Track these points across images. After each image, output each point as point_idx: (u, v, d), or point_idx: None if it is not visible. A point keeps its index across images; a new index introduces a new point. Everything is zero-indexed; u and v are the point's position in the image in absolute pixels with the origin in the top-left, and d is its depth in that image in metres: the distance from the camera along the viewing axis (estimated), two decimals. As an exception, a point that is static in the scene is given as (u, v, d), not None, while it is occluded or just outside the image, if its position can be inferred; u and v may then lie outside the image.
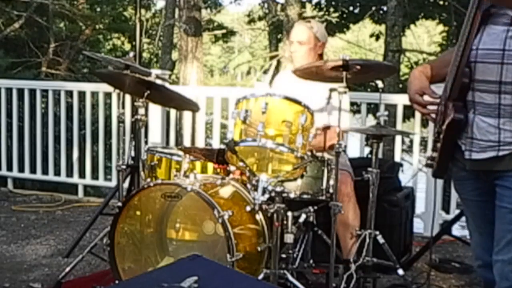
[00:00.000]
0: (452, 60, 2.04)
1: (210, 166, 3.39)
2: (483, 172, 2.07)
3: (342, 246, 3.39)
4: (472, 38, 1.97)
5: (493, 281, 2.08)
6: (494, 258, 2.06)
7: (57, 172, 6.19)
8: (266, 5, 16.05)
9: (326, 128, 3.24)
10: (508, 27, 1.96)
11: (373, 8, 13.33)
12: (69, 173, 6.19)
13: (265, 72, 15.20)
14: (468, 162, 2.08)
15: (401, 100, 5.00)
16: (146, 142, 3.72)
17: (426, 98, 2.16)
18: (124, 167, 3.62)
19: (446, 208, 5.11)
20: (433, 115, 2.18)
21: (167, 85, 3.97)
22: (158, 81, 3.72)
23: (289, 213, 3.00)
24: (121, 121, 3.83)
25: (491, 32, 1.99)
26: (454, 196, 4.68)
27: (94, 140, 6.20)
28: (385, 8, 12.29)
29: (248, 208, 2.98)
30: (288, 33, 10.49)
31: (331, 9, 14.32)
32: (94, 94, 6.13)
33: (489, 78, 1.98)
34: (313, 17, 14.08)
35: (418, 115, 4.84)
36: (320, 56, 3.67)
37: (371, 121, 5.09)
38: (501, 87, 1.96)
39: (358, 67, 3.01)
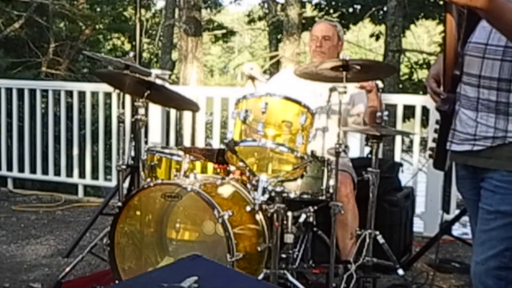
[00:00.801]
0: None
1: (210, 166, 3.39)
2: (474, 171, 2.07)
3: (340, 247, 3.39)
4: (455, 33, 1.96)
5: None
6: (473, 256, 2.07)
7: (57, 172, 6.19)
8: (266, 5, 16.05)
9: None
10: None
11: (373, 8, 13.32)
12: (69, 173, 6.19)
13: (265, 72, 15.20)
14: (450, 154, 2.10)
15: (401, 100, 5.00)
16: (146, 142, 3.71)
17: (439, 89, 2.13)
18: (124, 167, 3.61)
19: (446, 208, 5.11)
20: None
21: (167, 85, 3.97)
22: (158, 81, 3.72)
23: (289, 213, 3.00)
24: (121, 121, 3.82)
25: (481, 26, 1.99)
26: (454, 196, 4.68)
27: (94, 140, 6.20)
28: (385, 8, 12.28)
29: (248, 208, 2.98)
30: (288, 33, 10.56)
31: (331, 10, 14.32)
32: (94, 94, 6.13)
33: (471, 71, 2.00)
34: (313, 18, 14.10)
35: (418, 115, 4.85)
36: (338, 56, 3.68)
37: (371, 121, 5.08)
38: (480, 81, 1.98)
39: (358, 67, 3.01)
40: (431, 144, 2.22)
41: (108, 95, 6.10)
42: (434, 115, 3.21)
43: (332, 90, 3.23)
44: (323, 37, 3.66)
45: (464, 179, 2.17)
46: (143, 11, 13.65)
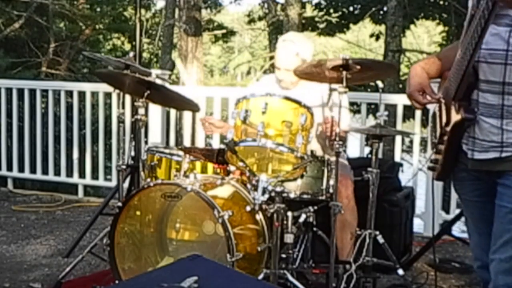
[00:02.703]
0: (457, 60, 2.01)
1: (210, 166, 3.39)
2: (484, 172, 2.06)
3: (339, 248, 3.39)
4: (482, 41, 1.93)
5: None
6: (490, 257, 2.05)
7: (57, 172, 6.19)
8: (266, 5, 16.04)
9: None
10: (511, 27, 1.95)
11: (373, 8, 13.32)
12: (69, 173, 6.19)
13: (265, 72, 15.20)
14: (470, 162, 2.07)
15: (401, 100, 5.00)
16: (146, 142, 3.71)
17: (427, 98, 2.14)
18: (124, 167, 3.62)
19: (446, 208, 5.11)
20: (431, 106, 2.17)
21: (167, 85, 3.97)
22: (158, 81, 3.72)
23: (289, 213, 3.00)
24: (121, 121, 3.83)
25: (493, 32, 1.96)
26: (454, 196, 4.68)
27: (94, 140, 6.20)
28: (385, 8, 12.28)
29: (248, 208, 2.98)
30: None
31: (331, 10, 14.32)
32: (94, 94, 6.14)
33: (492, 78, 1.97)
34: (312, 18, 14.10)
35: (418, 115, 4.85)
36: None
37: (371, 121, 5.09)
38: (504, 88, 1.95)
39: (358, 67, 3.01)
40: (430, 155, 2.19)
41: (108, 95, 6.10)
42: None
43: (331, 90, 3.22)
44: (285, 70, 3.47)
45: (465, 180, 2.15)
46: (143, 11, 13.64)
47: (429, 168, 2.26)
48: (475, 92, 2.00)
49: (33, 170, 6.20)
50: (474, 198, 2.16)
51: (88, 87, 6.19)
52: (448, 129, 2.07)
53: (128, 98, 5.04)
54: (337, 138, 3.02)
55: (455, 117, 2.03)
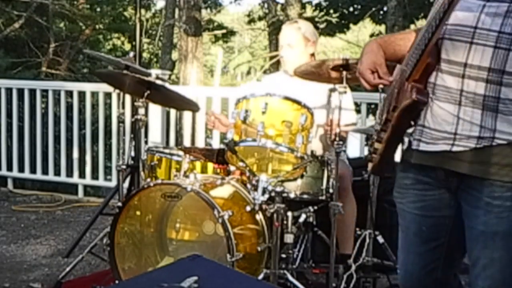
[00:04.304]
0: (419, 38, 1.72)
1: (210, 166, 3.39)
2: (445, 177, 1.78)
3: (339, 240, 3.37)
4: (449, 15, 1.64)
5: None
6: (472, 283, 1.80)
7: (57, 172, 6.19)
8: (266, 5, 16.04)
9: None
10: (485, 2, 1.68)
11: (373, 8, 13.33)
12: (69, 173, 6.19)
13: (265, 72, 15.20)
14: (414, 154, 1.81)
15: (401, 100, 4.98)
16: (146, 142, 3.72)
17: (378, 79, 1.81)
18: (124, 167, 3.62)
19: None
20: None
21: (167, 85, 3.97)
22: (158, 81, 3.72)
23: (289, 213, 3.00)
24: (121, 121, 3.82)
25: (464, 6, 1.69)
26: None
27: (94, 140, 6.20)
28: (385, 8, 12.29)
29: (248, 208, 2.98)
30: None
31: (331, 10, 14.33)
32: (94, 94, 6.13)
33: (454, 58, 1.69)
34: (313, 18, 14.10)
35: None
36: (312, 55, 3.59)
37: (371, 121, 5.08)
38: (465, 71, 1.67)
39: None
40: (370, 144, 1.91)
41: (108, 95, 6.10)
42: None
43: (332, 90, 3.23)
44: (288, 45, 3.51)
45: (407, 189, 1.89)
46: (143, 11, 13.64)
47: (367, 159, 1.97)
48: (434, 74, 1.73)
49: (33, 170, 6.20)
50: (415, 210, 1.90)
51: (88, 87, 6.19)
52: (395, 114, 1.76)
53: (128, 98, 5.04)
54: (337, 138, 3.02)
55: (405, 100, 1.71)
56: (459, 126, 1.70)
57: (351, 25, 14.65)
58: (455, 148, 1.71)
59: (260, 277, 2.87)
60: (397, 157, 1.99)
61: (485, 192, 1.70)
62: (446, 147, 1.72)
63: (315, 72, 3.23)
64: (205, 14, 15.24)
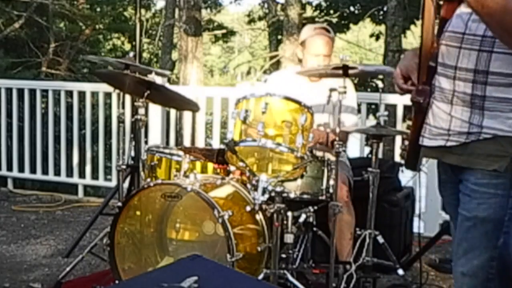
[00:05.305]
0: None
1: (210, 166, 3.39)
2: (452, 172, 1.96)
3: (338, 248, 3.38)
4: (432, 21, 1.84)
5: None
6: (454, 267, 1.97)
7: (57, 172, 6.19)
8: (266, 5, 16.05)
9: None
10: None
11: (373, 8, 13.33)
12: (69, 173, 6.19)
13: (265, 72, 15.21)
14: (423, 149, 1.99)
15: (401, 100, 4.99)
16: (146, 142, 3.71)
17: (408, 85, 1.98)
18: (124, 167, 3.62)
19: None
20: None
21: (167, 85, 3.97)
22: (158, 80, 3.72)
23: (289, 213, 3.00)
24: (121, 121, 3.83)
25: (457, 13, 1.88)
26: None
27: (94, 140, 6.20)
28: (385, 8, 12.29)
29: (248, 208, 2.98)
30: (288, 33, 10.56)
31: (331, 10, 14.34)
32: (94, 94, 6.14)
33: (447, 62, 1.88)
34: (313, 18, 14.10)
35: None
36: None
37: (371, 121, 5.09)
38: (456, 73, 1.85)
39: (358, 70, 3.04)
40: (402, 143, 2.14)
41: (108, 95, 6.10)
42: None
43: (332, 90, 3.23)
44: (324, 56, 3.55)
45: (446, 183, 2.07)
46: (143, 11, 13.65)
47: (401, 155, 2.18)
48: (435, 76, 1.92)
49: (33, 170, 6.20)
50: (454, 201, 2.04)
51: (88, 87, 6.19)
52: (412, 114, 2.00)
53: (128, 98, 5.04)
54: (337, 138, 3.02)
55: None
56: (452, 123, 1.88)
57: (351, 25, 14.65)
58: (449, 143, 1.89)
59: (260, 277, 2.88)
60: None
61: (471, 180, 1.88)
62: (442, 142, 1.90)
63: (317, 73, 3.25)
64: (205, 14, 15.25)
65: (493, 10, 1.69)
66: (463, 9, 1.86)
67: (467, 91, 1.83)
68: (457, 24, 1.87)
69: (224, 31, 17.72)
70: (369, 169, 3.26)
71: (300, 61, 3.70)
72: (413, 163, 2.09)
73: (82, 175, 6.19)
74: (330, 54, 3.57)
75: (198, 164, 3.38)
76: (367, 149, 5.45)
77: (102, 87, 5.70)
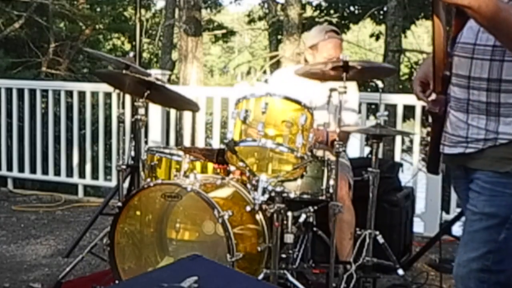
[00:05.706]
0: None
1: (210, 166, 3.39)
2: (465, 171, 2.05)
3: (338, 248, 3.38)
4: (442, 33, 1.91)
5: None
6: (457, 255, 2.05)
7: (57, 172, 6.19)
8: (266, 5, 16.04)
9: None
10: None
11: (373, 8, 13.32)
12: (69, 173, 6.19)
13: (265, 72, 15.21)
14: (443, 157, 2.08)
15: (401, 100, 5.00)
16: (146, 142, 3.71)
17: (421, 94, 2.10)
18: (124, 167, 3.61)
19: (446, 208, 5.11)
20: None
21: (167, 85, 3.97)
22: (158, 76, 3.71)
23: (289, 213, 3.00)
24: (121, 121, 3.83)
25: (468, 25, 1.96)
26: (454, 196, 4.68)
27: (94, 140, 6.20)
28: (385, 8, 12.28)
29: (248, 208, 2.98)
30: (288, 33, 10.55)
31: (331, 10, 14.33)
32: (94, 94, 6.14)
33: (461, 72, 1.96)
34: (313, 18, 14.09)
35: (418, 115, 4.85)
36: None
37: (371, 121, 5.09)
38: (470, 82, 1.94)
39: (359, 66, 3.02)
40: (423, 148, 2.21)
41: (108, 95, 6.10)
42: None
43: (332, 90, 3.23)
44: (336, 58, 3.51)
45: (459, 178, 2.14)
46: (143, 11, 13.65)
47: (423, 160, 2.24)
48: (449, 86, 2.01)
49: (33, 170, 6.20)
50: (466, 197, 2.11)
51: (88, 87, 6.19)
52: (430, 121, 2.09)
53: (128, 98, 5.04)
54: (337, 138, 3.02)
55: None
56: (469, 131, 1.97)
57: (351, 25, 14.64)
58: (468, 150, 1.98)
59: (260, 277, 2.88)
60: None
61: (482, 178, 1.97)
62: (461, 150, 1.99)
63: (316, 73, 3.24)
64: (205, 14, 15.24)
65: (498, 21, 1.75)
66: (473, 21, 1.90)
67: (482, 99, 1.93)
68: (468, 35, 1.95)
69: (224, 31, 17.70)
70: (369, 169, 3.26)
71: (306, 62, 3.69)
72: (435, 167, 2.16)
73: (82, 175, 6.19)
74: (339, 55, 3.56)
75: (198, 164, 3.38)
76: (367, 149, 5.45)
77: (102, 87, 5.70)
